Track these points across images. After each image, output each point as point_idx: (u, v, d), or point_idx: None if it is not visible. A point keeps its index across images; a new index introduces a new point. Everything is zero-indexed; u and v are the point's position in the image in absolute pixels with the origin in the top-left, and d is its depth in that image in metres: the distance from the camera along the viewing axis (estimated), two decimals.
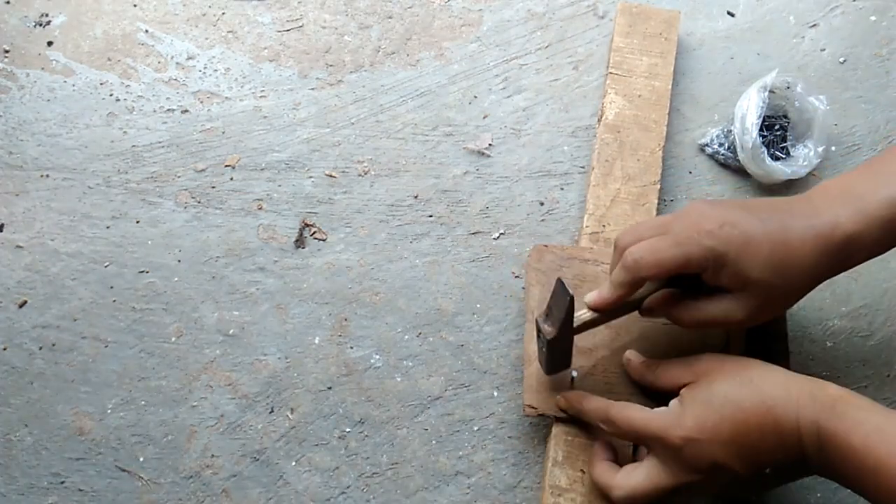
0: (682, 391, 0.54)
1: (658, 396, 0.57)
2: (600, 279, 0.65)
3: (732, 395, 0.51)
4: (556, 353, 0.58)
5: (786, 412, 0.49)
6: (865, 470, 0.46)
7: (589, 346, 0.62)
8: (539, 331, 0.57)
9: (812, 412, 0.49)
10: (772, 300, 0.53)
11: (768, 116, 0.75)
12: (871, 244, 0.52)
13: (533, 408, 0.61)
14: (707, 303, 0.54)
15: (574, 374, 0.61)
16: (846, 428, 0.47)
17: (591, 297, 0.57)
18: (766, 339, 0.62)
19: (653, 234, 0.54)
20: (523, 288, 0.69)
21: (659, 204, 0.73)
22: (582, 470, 0.60)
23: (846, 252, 0.52)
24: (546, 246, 0.66)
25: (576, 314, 0.57)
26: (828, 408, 0.49)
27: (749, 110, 0.72)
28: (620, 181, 0.71)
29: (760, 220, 0.52)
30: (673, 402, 0.54)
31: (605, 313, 0.57)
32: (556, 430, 0.61)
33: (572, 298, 0.53)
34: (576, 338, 0.59)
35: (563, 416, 0.61)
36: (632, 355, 0.60)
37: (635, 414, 0.54)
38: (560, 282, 0.54)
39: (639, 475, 0.54)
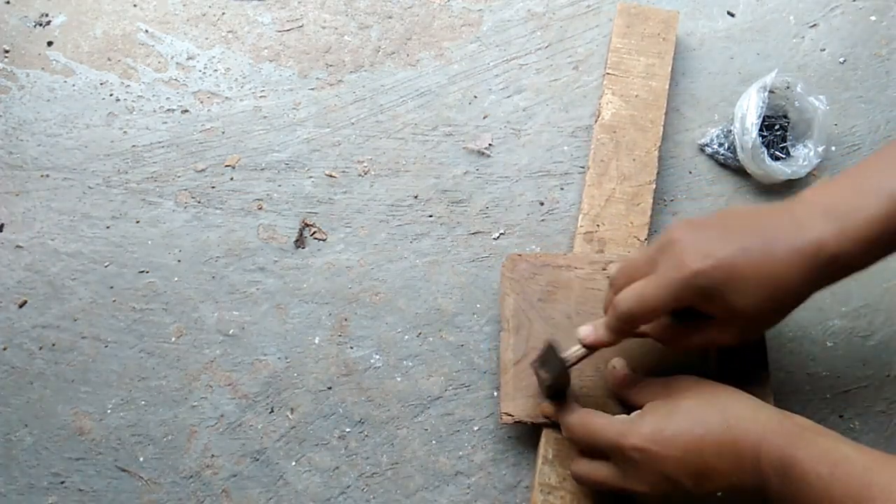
0: (648, 403, 0.54)
1: (633, 408, 0.57)
2: (574, 285, 0.65)
3: (695, 411, 0.51)
4: (553, 389, 0.59)
5: (747, 435, 0.49)
6: (831, 500, 0.45)
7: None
8: (537, 375, 0.59)
9: (778, 438, 0.48)
10: (759, 322, 0.54)
11: (768, 116, 0.75)
12: (855, 263, 0.52)
13: (510, 415, 0.61)
14: (696, 330, 0.55)
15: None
16: (813, 456, 0.46)
17: (586, 333, 0.57)
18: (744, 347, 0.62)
19: (641, 274, 0.54)
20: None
21: (658, 204, 0.73)
22: None
23: (830, 271, 0.52)
24: (520, 255, 0.66)
25: (568, 351, 0.57)
26: (795, 435, 0.48)
27: (749, 110, 0.72)
28: (616, 181, 0.71)
29: (743, 248, 0.51)
30: (635, 412, 0.54)
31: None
32: (547, 429, 0.62)
33: (563, 362, 0.56)
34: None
35: (541, 422, 0.61)
36: (618, 364, 0.60)
37: (594, 420, 0.55)
38: (550, 346, 0.56)
39: (601, 469, 0.55)
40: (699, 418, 0.51)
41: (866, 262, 0.52)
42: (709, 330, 0.54)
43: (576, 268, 0.66)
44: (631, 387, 0.58)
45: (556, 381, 0.58)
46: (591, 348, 0.57)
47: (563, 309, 0.64)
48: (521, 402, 0.62)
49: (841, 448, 0.47)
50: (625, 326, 0.55)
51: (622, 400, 0.60)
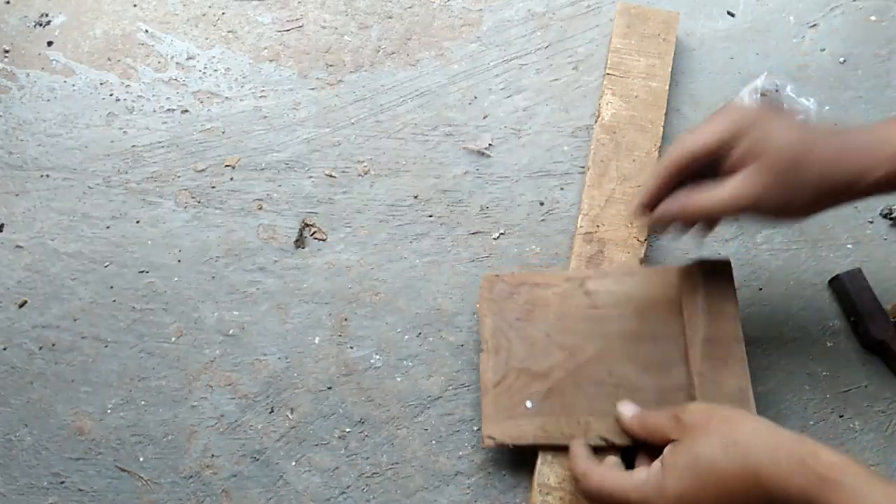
0: (665, 451, 0.52)
1: (645, 446, 0.57)
2: (551, 302, 0.64)
3: (717, 459, 0.49)
4: None
5: (773, 480, 0.47)
6: None
7: (544, 370, 0.62)
8: None
9: (803, 481, 0.46)
10: (782, 184, 0.52)
11: None
12: (883, 166, 0.51)
13: (492, 438, 0.61)
14: (717, 186, 0.54)
15: (529, 404, 0.61)
16: (843, 501, 0.45)
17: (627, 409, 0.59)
18: (724, 344, 0.61)
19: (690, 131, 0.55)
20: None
21: None
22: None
23: (858, 168, 0.51)
24: (496, 275, 0.66)
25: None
26: (821, 477, 0.46)
27: None
28: (616, 181, 0.71)
29: (794, 121, 0.53)
30: (655, 466, 0.52)
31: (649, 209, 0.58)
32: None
33: None
34: (530, 362, 0.62)
35: (522, 444, 0.60)
36: (624, 409, 0.59)
37: (612, 483, 0.52)
38: None
39: None
40: (723, 469, 0.48)
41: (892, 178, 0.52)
42: (732, 181, 0.53)
43: (553, 285, 0.65)
44: (643, 427, 0.56)
45: None
46: (645, 206, 0.58)
47: (542, 327, 0.64)
48: (503, 424, 0.61)
49: (870, 491, 0.45)
50: (670, 158, 0.55)
51: (634, 439, 0.58)
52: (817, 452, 0.47)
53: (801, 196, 0.53)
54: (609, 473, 0.53)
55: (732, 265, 0.63)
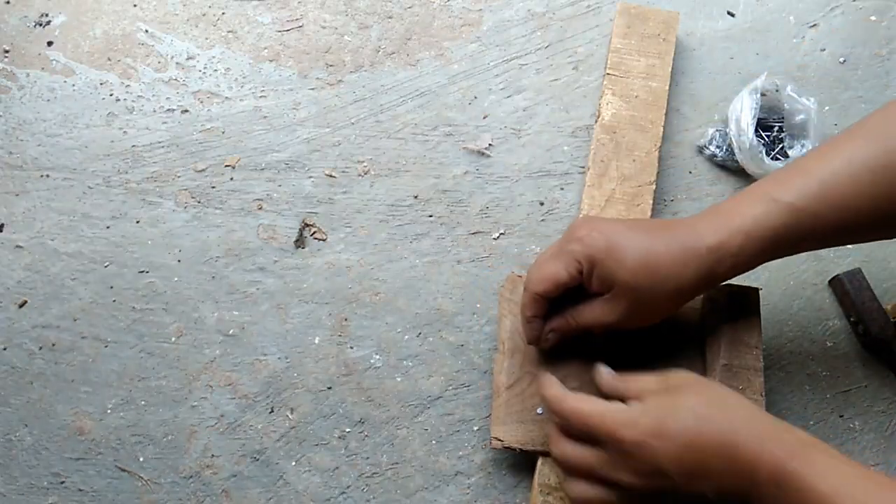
0: (648, 395, 0.53)
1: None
2: None
3: (699, 409, 0.51)
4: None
5: (748, 443, 0.49)
6: None
7: (558, 378, 0.59)
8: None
9: (779, 449, 0.48)
10: (639, 303, 0.56)
11: (764, 118, 0.75)
12: (733, 256, 0.54)
13: (499, 440, 0.61)
14: (584, 308, 0.58)
15: (540, 410, 0.61)
16: (814, 472, 0.46)
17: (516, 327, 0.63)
18: (743, 375, 0.60)
19: (543, 260, 0.59)
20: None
21: (659, 204, 0.73)
22: None
23: (709, 263, 0.54)
24: (520, 276, 0.65)
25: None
26: (797, 449, 0.48)
27: (743, 112, 0.72)
28: (616, 181, 0.71)
29: (629, 230, 0.56)
30: (634, 402, 0.53)
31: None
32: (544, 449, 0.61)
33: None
34: (545, 368, 0.62)
35: (531, 450, 0.60)
36: (605, 369, 0.59)
37: (590, 407, 0.54)
38: None
39: (588, 455, 0.54)
40: (703, 417, 0.50)
41: (745, 256, 0.55)
42: (595, 306, 0.58)
43: None
44: (622, 381, 0.57)
45: None
46: (530, 343, 0.61)
47: None
48: (513, 427, 0.61)
49: (843, 468, 0.47)
50: (528, 297, 0.59)
51: (616, 397, 0.58)
52: (793, 430, 0.50)
53: (662, 307, 0.57)
54: (586, 397, 0.55)
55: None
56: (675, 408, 0.51)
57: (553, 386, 0.56)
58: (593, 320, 0.58)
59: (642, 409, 0.52)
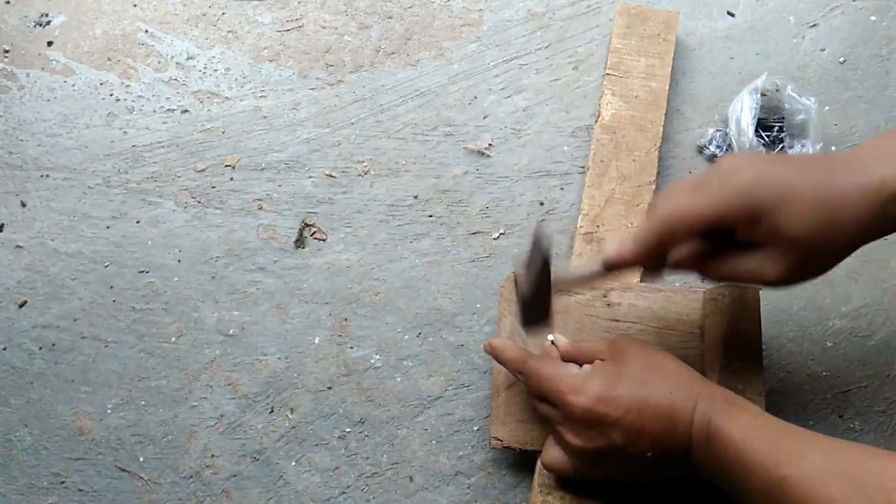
0: (596, 362, 0.57)
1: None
2: (573, 310, 0.64)
3: (641, 375, 0.54)
4: (532, 307, 0.56)
5: (684, 404, 0.52)
6: (742, 463, 0.49)
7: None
8: (516, 284, 0.57)
9: (707, 407, 0.52)
10: (809, 261, 0.49)
11: (764, 118, 0.75)
12: None
13: (499, 440, 0.61)
14: (739, 258, 0.50)
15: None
16: (731, 425, 0.50)
17: (611, 252, 0.52)
18: (742, 375, 0.60)
19: (687, 192, 0.51)
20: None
21: None
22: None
23: (891, 212, 0.47)
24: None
25: (581, 269, 0.55)
26: (720, 407, 0.52)
27: (743, 112, 0.72)
28: (615, 181, 0.71)
29: (800, 173, 0.48)
30: (586, 367, 0.57)
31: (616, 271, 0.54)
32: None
33: (548, 252, 0.51)
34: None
35: (531, 449, 0.61)
36: (559, 338, 0.61)
37: (548, 370, 0.56)
38: (539, 232, 0.51)
39: (547, 409, 0.57)
40: (644, 382, 0.53)
41: None
42: (753, 259, 0.50)
43: (576, 292, 0.65)
44: (575, 349, 0.60)
45: (534, 301, 0.55)
46: (613, 268, 0.53)
47: (561, 334, 0.63)
48: (512, 427, 0.61)
49: (758, 419, 0.51)
50: (658, 235, 0.50)
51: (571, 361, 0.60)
52: (725, 391, 0.54)
53: (836, 259, 0.50)
54: (549, 361, 0.58)
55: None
56: (621, 375, 0.54)
57: (517, 349, 0.59)
58: (750, 276, 0.50)
59: (591, 376, 0.55)
